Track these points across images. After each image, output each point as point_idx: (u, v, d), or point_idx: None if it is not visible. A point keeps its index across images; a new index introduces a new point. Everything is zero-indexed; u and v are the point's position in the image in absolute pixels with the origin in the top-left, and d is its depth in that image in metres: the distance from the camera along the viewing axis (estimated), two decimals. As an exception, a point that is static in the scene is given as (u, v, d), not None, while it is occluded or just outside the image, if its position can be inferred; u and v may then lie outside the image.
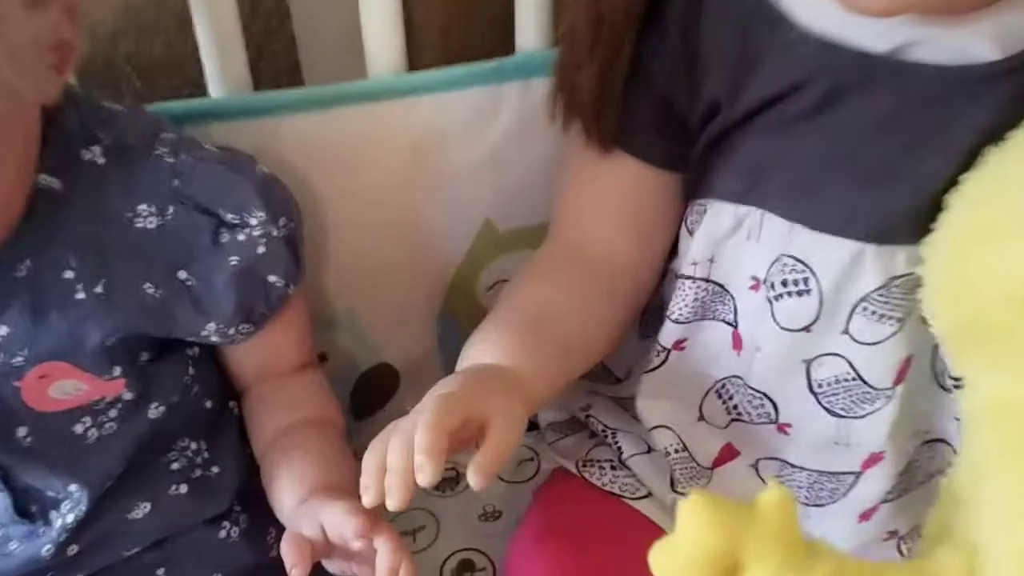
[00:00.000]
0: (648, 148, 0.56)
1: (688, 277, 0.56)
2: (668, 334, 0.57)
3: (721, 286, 0.56)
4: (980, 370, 0.47)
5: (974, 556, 0.42)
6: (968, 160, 0.48)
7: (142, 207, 0.51)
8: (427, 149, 0.63)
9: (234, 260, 0.52)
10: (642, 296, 0.60)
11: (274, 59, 0.71)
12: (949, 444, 0.56)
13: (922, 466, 0.56)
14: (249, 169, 0.53)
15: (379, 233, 0.66)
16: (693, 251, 0.55)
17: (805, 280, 0.52)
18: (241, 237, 0.52)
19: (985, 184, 0.47)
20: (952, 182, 0.48)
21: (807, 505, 0.57)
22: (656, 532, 0.60)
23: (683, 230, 0.58)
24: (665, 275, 0.60)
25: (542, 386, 0.53)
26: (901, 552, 0.58)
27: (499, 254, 0.69)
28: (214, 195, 0.51)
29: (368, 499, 0.45)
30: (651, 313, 0.61)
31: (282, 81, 0.71)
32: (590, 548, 0.57)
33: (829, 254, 0.51)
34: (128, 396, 0.53)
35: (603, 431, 0.62)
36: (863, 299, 0.52)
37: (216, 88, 0.61)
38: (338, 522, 0.48)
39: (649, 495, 0.60)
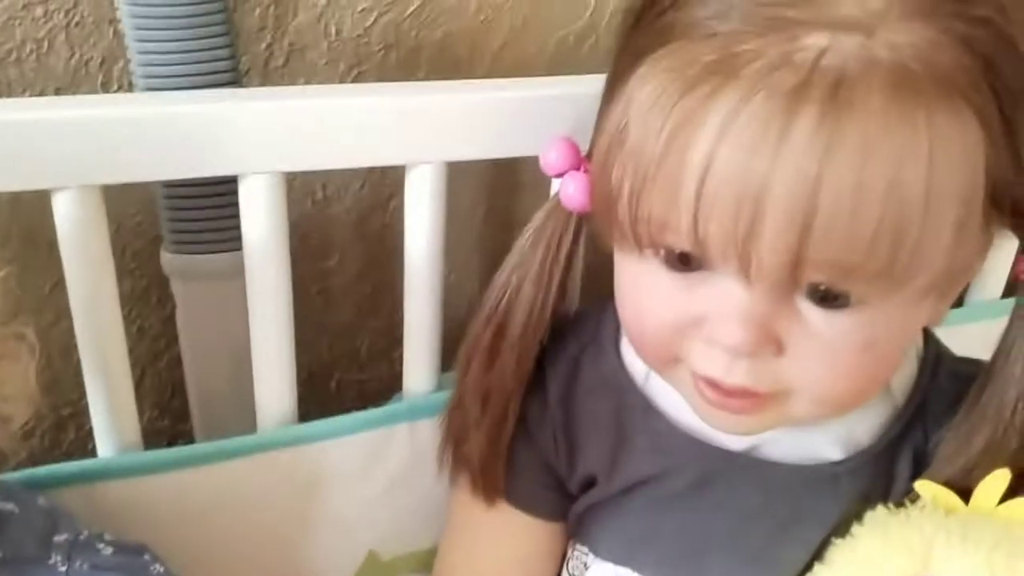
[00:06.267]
0: (534, 503, 0.59)
1: (574, 632, 0.59)
2: None
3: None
4: None
5: None
6: (821, 550, 0.52)
7: None
8: (312, 493, 0.64)
9: None
10: None
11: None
12: None
13: None
14: (144, 572, 0.53)
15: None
16: (576, 608, 0.58)
17: (681, 647, 0.56)
18: None
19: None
20: (809, 568, 0.52)
21: None
22: None
23: (565, 573, 0.60)
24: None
25: None
26: None
27: (383, 578, 0.70)
28: None
29: None
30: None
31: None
32: None
33: None
34: None
35: None
36: (735, 668, 0.55)
37: (105, 445, 0.61)
38: None
39: None
